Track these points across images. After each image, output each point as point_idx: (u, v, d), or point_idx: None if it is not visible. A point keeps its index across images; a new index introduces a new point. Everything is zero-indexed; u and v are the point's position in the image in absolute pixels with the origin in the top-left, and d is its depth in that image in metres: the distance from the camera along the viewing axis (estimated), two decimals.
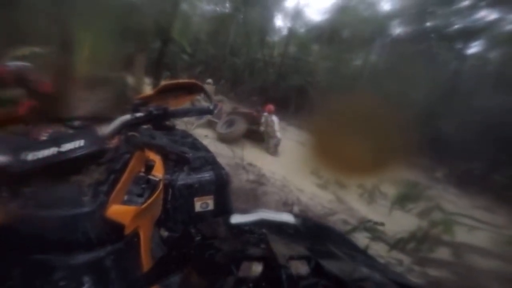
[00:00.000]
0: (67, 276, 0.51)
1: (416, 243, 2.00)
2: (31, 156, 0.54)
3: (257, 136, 5.69)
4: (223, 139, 5.31)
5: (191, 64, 8.16)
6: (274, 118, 5.67)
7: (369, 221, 2.34)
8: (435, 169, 4.57)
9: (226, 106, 6.74)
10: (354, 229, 2.36)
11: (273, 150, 5.40)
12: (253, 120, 5.73)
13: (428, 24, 6.57)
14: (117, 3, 2.93)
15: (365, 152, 2.01)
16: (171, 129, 0.86)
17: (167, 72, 7.21)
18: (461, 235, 2.03)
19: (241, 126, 5.50)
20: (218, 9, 9.51)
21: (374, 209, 2.88)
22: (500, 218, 2.85)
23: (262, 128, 5.66)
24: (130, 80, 4.51)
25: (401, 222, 2.33)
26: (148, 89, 4.49)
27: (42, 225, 0.52)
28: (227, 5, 9.27)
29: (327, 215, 2.99)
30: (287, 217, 0.70)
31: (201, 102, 4.67)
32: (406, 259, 2.04)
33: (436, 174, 4.53)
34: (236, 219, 0.68)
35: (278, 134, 5.51)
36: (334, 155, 2.25)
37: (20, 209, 0.51)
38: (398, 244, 2.05)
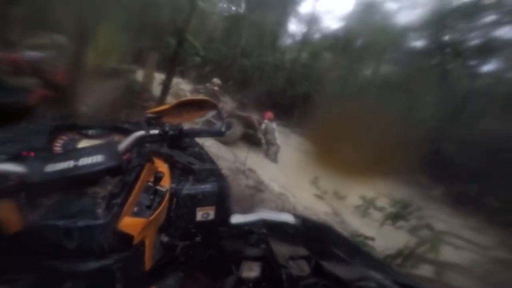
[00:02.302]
0: (75, 281, 0.53)
1: (402, 259, 2.03)
2: (49, 168, 0.56)
3: (253, 140, 5.67)
4: (220, 140, 5.30)
5: (202, 62, 8.19)
6: (274, 125, 5.69)
7: (360, 235, 2.37)
8: (433, 187, 4.55)
9: (228, 106, 6.69)
10: None
11: (273, 157, 5.45)
12: (250, 125, 5.72)
13: (445, 38, 6.27)
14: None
15: (363, 162, 2.03)
16: (184, 149, 0.89)
17: (179, 68, 7.26)
18: (447, 254, 2.06)
19: (237, 129, 5.49)
20: (233, 8, 9.51)
21: (367, 223, 2.91)
22: (487, 239, 2.85)
23: (259, 135, 5.66)
24: (140, 74, 4.59)
25: (391, 238, 2.36)
26: (156, 86, 4.55)
27: (59, 234, 0.53)
28: (243, 5, 9.27)
29: None
30: (287, 217, 0.73)
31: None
32: None
33: (433, 192, 4.53)
34: (236, 219, 0.72)
35: (278, 141, 5.53)
36: (332, 164, 2.27)
37: (40, 219, 0.53)
38: (385, 260, 2.08)
